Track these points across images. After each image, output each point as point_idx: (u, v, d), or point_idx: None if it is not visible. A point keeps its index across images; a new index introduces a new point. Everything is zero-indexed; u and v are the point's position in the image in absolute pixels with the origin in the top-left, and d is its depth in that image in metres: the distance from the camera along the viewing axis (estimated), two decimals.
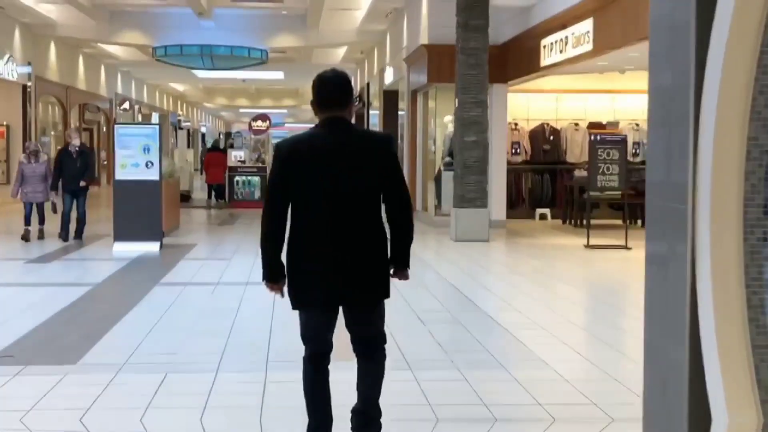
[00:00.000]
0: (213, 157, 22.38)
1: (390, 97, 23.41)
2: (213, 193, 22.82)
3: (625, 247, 13.41)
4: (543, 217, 18.71)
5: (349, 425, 4.18)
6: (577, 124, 18.98)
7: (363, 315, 4.06)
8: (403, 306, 8.41)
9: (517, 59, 15.96)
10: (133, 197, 12.75)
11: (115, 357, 6.22)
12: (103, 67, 31.64)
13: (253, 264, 11.52)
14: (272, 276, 3.97)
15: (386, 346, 4.19)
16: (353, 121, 4.13)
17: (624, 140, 13.81)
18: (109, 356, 6.31)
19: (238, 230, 16.40)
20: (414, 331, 7.29)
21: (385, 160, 3.98)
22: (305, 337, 4.07)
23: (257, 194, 22.03)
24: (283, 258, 3.97)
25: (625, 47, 11.31)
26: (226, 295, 9.06)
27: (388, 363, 4.23)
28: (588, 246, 13.56)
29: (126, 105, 34.39)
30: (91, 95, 30.29)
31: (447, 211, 16.63)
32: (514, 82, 16.71)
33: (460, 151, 14.57)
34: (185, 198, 23.14)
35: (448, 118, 17.52)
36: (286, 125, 58.95)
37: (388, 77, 22.61)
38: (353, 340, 4.11)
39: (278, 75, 35.35)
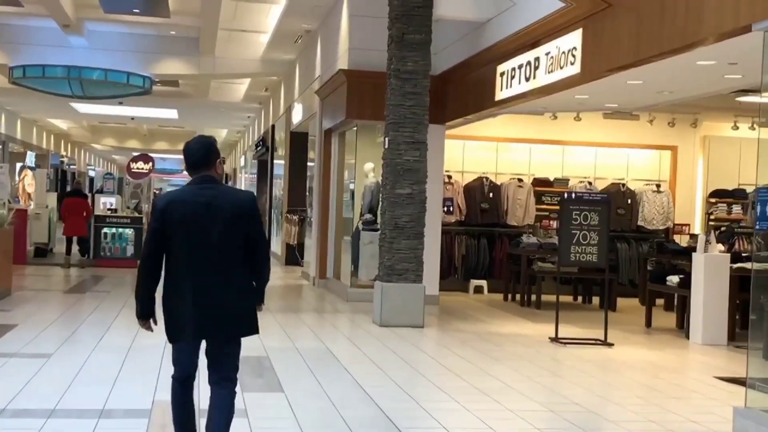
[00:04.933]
0: (72, 203, 17.39)
1: (298, 141, 19.90)
2: (74, 247, 18.43)
3: (605, 343, 10.07)
4: (479, 289, 15.46)
5: None
6: (520, 180, 15.83)
7: (221, 348, 4.60)
8: None
9: (462, 93, 12.48)
10: None
11: None
12: None
13: (83, 365, 7.64)
14: (141, 313, 4.61)
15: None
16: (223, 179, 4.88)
17: (607, 201, 10.39)
18: None
19: (89, 301, 12.35)
20: None
21: (248, 216, 4.58)
22: (176, 360, 4.70)
23: (130, 251, 17.88)
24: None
25: (638, 66, 7.84)
26: None
27: None
28: (556, 339, 10.16)
29: None
30: None
31: (366, 282, 13.14)
32: (456, 123, 13.27)
33: (389, 206, 10.94)
34: (42, 253, 18.92)
35: (370, 166, 14.01)
36: (184, 172, 54.65)
37: (297, 115, 18.99)
38: (209, 368, 4.62)
39: (171, 114, 31.36)
